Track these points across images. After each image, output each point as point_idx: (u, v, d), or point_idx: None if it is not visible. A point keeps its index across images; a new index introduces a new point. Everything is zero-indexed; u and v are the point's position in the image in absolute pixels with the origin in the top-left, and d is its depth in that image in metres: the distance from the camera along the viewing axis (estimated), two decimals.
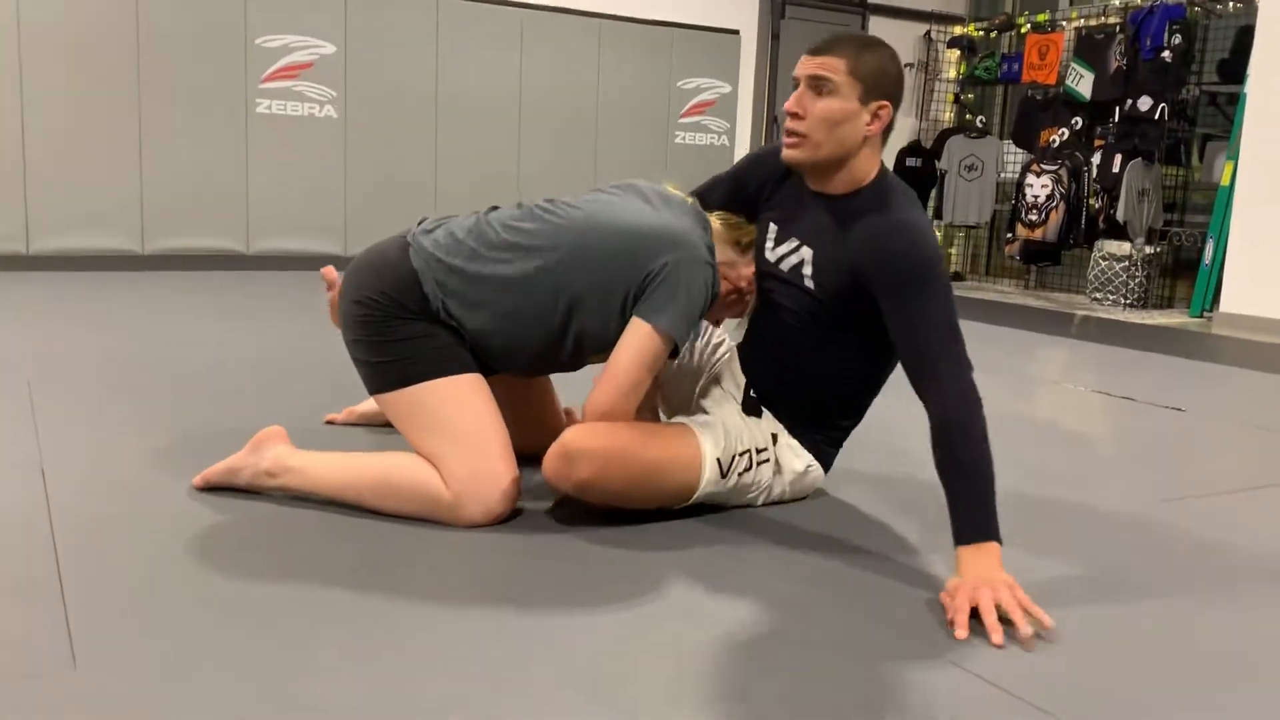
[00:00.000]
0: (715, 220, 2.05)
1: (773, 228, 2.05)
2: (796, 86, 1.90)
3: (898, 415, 2.25)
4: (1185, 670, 1.46)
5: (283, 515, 1.91)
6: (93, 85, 5.90)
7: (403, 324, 1.90)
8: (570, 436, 1.84)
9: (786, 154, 1.92)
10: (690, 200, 2.07)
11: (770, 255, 2.04)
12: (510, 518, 1.92)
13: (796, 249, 1.98)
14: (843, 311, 1.93)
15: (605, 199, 2.01)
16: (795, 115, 1.87)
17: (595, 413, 1.88)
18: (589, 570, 1.72)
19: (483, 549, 1.80)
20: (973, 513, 1.66)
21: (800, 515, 2.06)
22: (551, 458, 1.85)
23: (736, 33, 7.66)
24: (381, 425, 2.50)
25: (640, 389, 1.91)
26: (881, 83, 1.87)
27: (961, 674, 1.39)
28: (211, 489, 2.01)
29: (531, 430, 2.19)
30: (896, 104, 1.90)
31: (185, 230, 6.23)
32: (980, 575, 1.58)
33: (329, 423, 2.57)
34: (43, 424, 2.46)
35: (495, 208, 2.04)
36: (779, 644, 1.47)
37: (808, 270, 1.95)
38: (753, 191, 2.10)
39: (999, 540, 1.64)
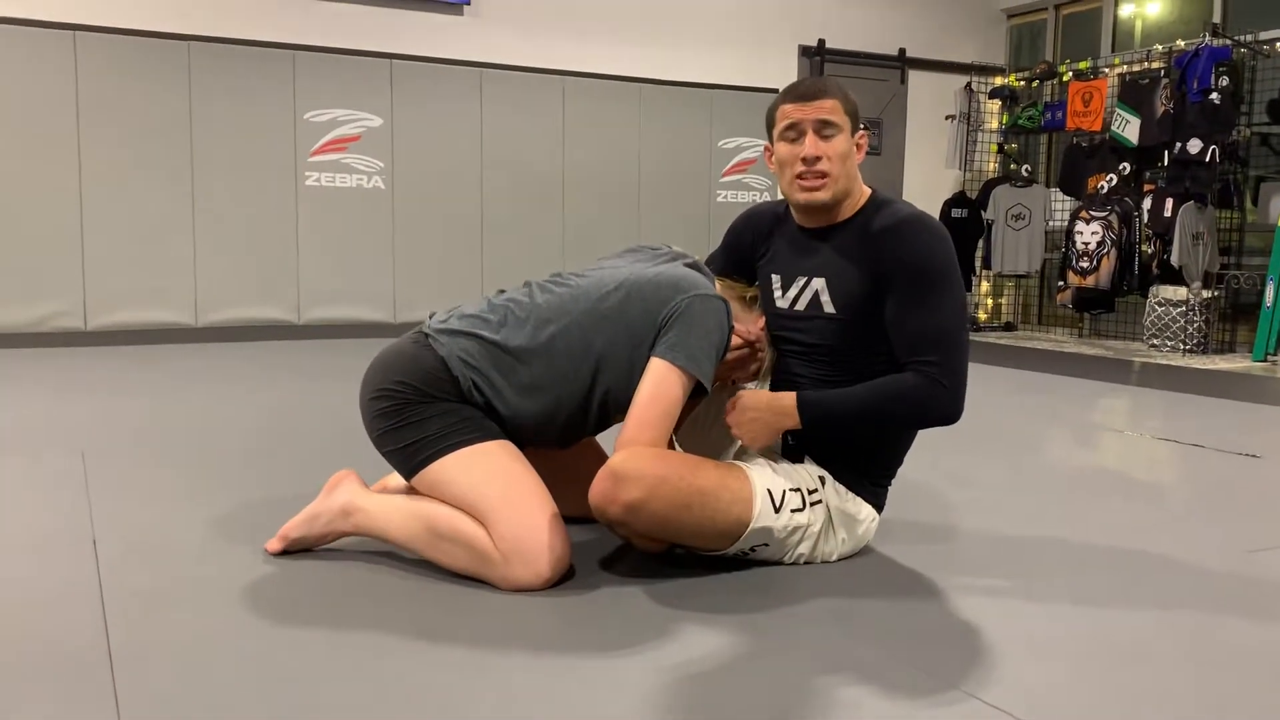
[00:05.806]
0: (717, 283, 2.08)
1: (775, 278, 2.11)
2: (793, 132, 1.98)
3: (947, 466, 2.17)
4: None
5: (334, 581, 1.87)
6: (147, 164, 6.06)
7: (425, 405, 1.90)
8: (619, 458, 1.81)
9: (812, 196, 1.99)
10: (691, 256, 2.12)
11: (782, 303, 2.09)
12: (561, 581, 1.87)
13: (807, 284, 2.04)
14: (868, 328, 1.96)
15: (609, 263, 2.11)
16: (817, 159, 1.96)
17: (624, 448, 1.85)
18: (643, 633, 1.66)
19: (532, 610, 1.75)
20: (826, 400, 1.93)
21: (851, 570, 1.99)
22: (599, 480, 1.80)
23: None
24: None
25: (666, 424, 1.89)
26: (857, 115, 2.03)
27: None
28: (281, 554, 2.00)
29: (581, 495, 2.13)
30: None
31: (238, 302, 6.33)
32: (752, 402, 1.96)
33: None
34: (95, 496, 2.45)
35: (502, 291, 2.08)
36: (830, 702, 1.40)
37: (825, 297, 2.01)
38: (748, 251, 2.20)
39: (799, 421, 1.92)
